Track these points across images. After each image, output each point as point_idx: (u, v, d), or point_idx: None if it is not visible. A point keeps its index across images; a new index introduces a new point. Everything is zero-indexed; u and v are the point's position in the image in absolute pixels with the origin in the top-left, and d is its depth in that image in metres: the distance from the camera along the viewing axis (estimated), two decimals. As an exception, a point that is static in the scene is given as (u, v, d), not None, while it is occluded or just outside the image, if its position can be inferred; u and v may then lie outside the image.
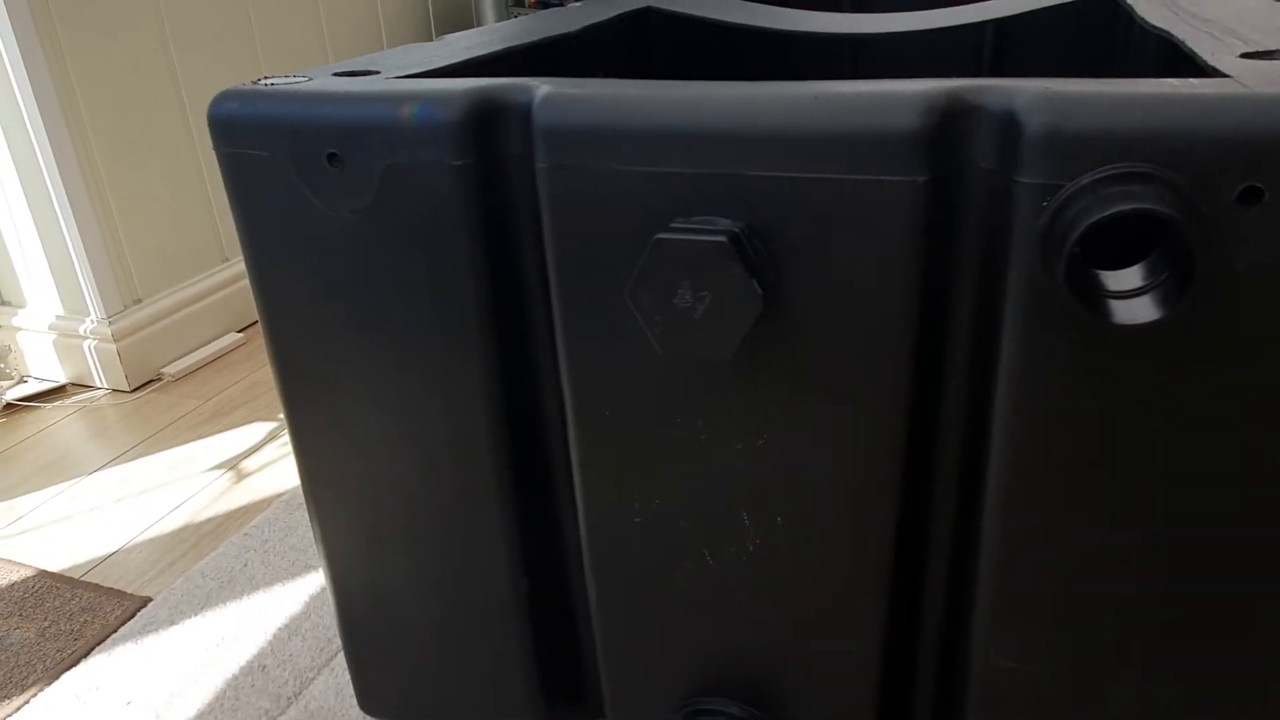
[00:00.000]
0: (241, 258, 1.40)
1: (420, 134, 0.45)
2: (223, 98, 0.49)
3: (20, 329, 1.26)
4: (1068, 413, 0.39)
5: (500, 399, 0.51)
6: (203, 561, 0.86)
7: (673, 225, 0.40)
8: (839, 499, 0.45)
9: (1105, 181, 0.34)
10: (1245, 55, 0.42)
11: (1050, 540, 0.42)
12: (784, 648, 0.50)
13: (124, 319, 1.22)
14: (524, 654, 0.59)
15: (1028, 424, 0.39)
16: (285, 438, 1.09)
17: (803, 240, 0.40)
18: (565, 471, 0.53)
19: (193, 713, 0.69)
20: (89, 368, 1.23)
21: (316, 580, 0.82)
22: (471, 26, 1.87)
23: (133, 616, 0.80)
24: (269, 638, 0.76)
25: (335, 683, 0.71)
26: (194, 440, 1.09)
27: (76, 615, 0.81)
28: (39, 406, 1.21)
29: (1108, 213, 0.32)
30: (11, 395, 1.22)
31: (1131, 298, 0.33)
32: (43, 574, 0.87)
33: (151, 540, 0.91)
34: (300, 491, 0.96)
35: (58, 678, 0.74)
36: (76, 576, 0.87)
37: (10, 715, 0.70)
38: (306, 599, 0.80)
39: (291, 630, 0.76)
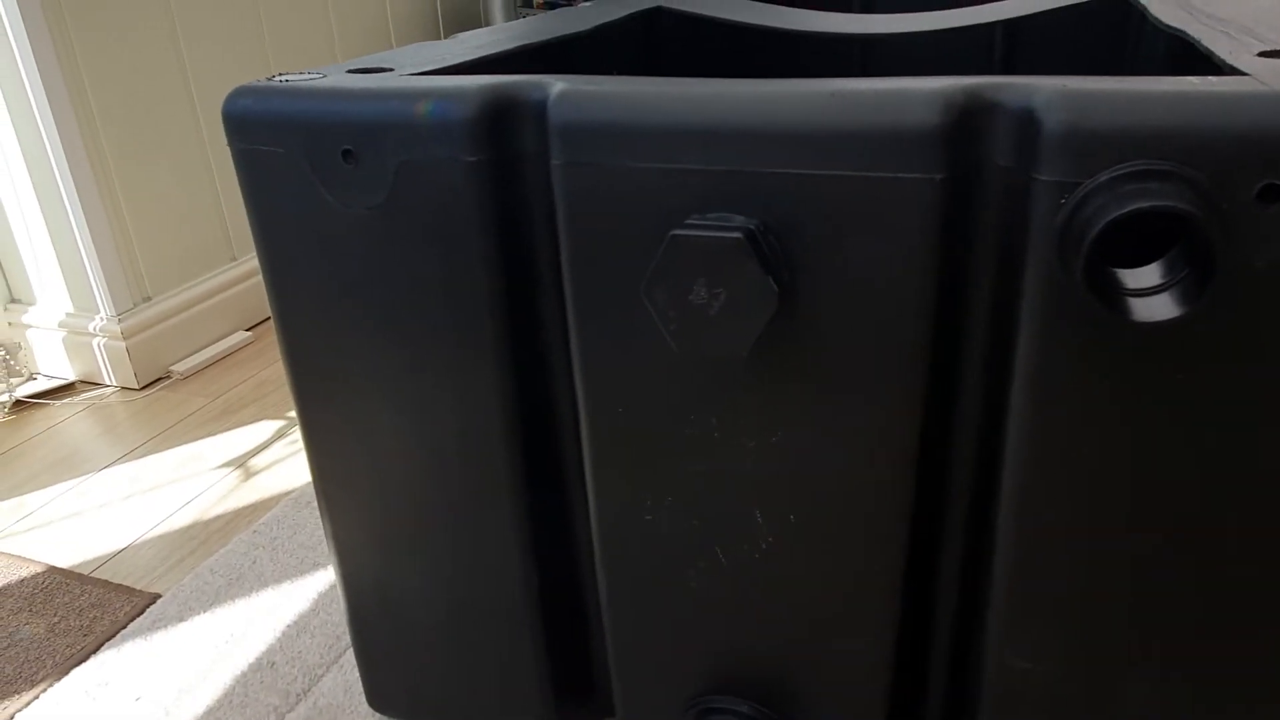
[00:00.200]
0: (251, 256, 1.41)
1: (435, 131, 0.45)
2: (237, 94, 0.49)
3: (30, 326, 1.27)
4: (1085, 411, 0.39)
5: (513, 396, 0.51)
6: (212, 558, 0.86)
7: (688, 222, 0.40)
8: (853, 497, 0.45)
9: (1124, 179, 0.34)
10: (1263, 54, 0.42)
11: (1066, 539, 0.42)
12: (795, 646, 0.50)
13: (133, 317, 1.23)
14: (534, 652, 0.59)
15: (1044, 422, 0.39)
16: (294, 436, 1.09)
17: (818, 238, 0.39)
18: (577, 469, 0.53)
19: (201, 709, 0.69)
20: (98, 365, 1.24)
21: (325, 577, 0.82)
22: (480, 27, 1.88)
23: (142, 613, 0.80)
24: (278, 635, 0.76)
25: (344, 680, 0.71)
26: (203, 438, 1.10)
27: (86, 611, 0.81)
28: (48, 404, 1.21)
29: (1126, 210, 0.32)
30: (21, 392, 1.23)
31: (1150, 295, 0.33)
32: (52, 570, 0.87)
33: (160, 537, 0.92)
34: (309, 489, 0.96)
35: (67, 673, 0.74)
36: (86, 573, 0.87)
37: (20, 710, 0.71)
38: (315, 596, 0.80)
39: (300, 627, 0.76)
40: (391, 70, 0.53)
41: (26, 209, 1.20)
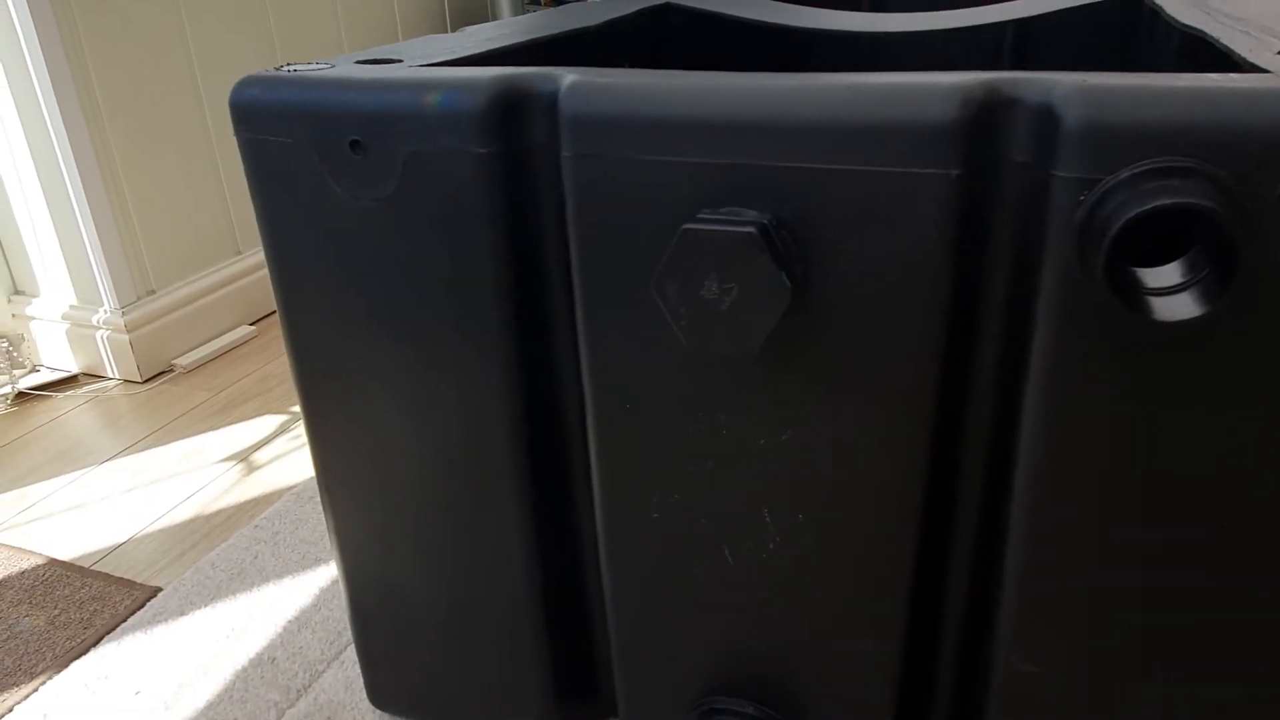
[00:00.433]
0: (255, 251, 1.41)
1: (445, 122, 0.44)
2: (245, 84, 0.49)
3: (34, 318, 1.26)
4: (1100, 412, 0.38)
5: (519, 392, 0.50)
6: (213, 553, 0.86)
7: (700, 216, 0.40)
8: (862, 497, 0.44)
9: (1145, 176, 0.33)
10: (1284, 52, 0.41)
11: (1077, 541, 0.41)
12: (802, 647, 0.50)
13: (137, 310, 1.22)
14: (537, 651, 0.58)
15: (1059, 423, 0.39)
16: (296, 430, 1.08)
17: (832, 233, 0.39)
18: (583, 467, 0.53)
19: (202, 704, 0.69)
20: (101, 358, 1.24)
21: (327, 573, 0.82)
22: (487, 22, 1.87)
23: (142, 606, 0.79)
24: (279, 630, 0.75)
25: (345, 676, 0.70)
26: (205, 432, 1.09)
27: (86, 604, 0.81)
28: (51, 396, 1.21)
29: (1149, 206, 0.31)
30: (24, 384, 1.23)
31: (1171, 294, 0.33)
32: (53, 562, 0.87)
33: (162, 531, 0.91)
34: (311, 484, 0.96)
35: (67, 666, 0.73)
36: (86, 565, 0.86)
37: (19, 703, 0.70)
38: (317, 591, 0.80)
39: (301, 623, 0.76)
40: (400, 61, 0.52)
41: (31, 200, 1.19)
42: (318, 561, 0.84)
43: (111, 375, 1.24)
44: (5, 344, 1.24)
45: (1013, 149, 0.37)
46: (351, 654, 0.72)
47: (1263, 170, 0.33)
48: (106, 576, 0.84)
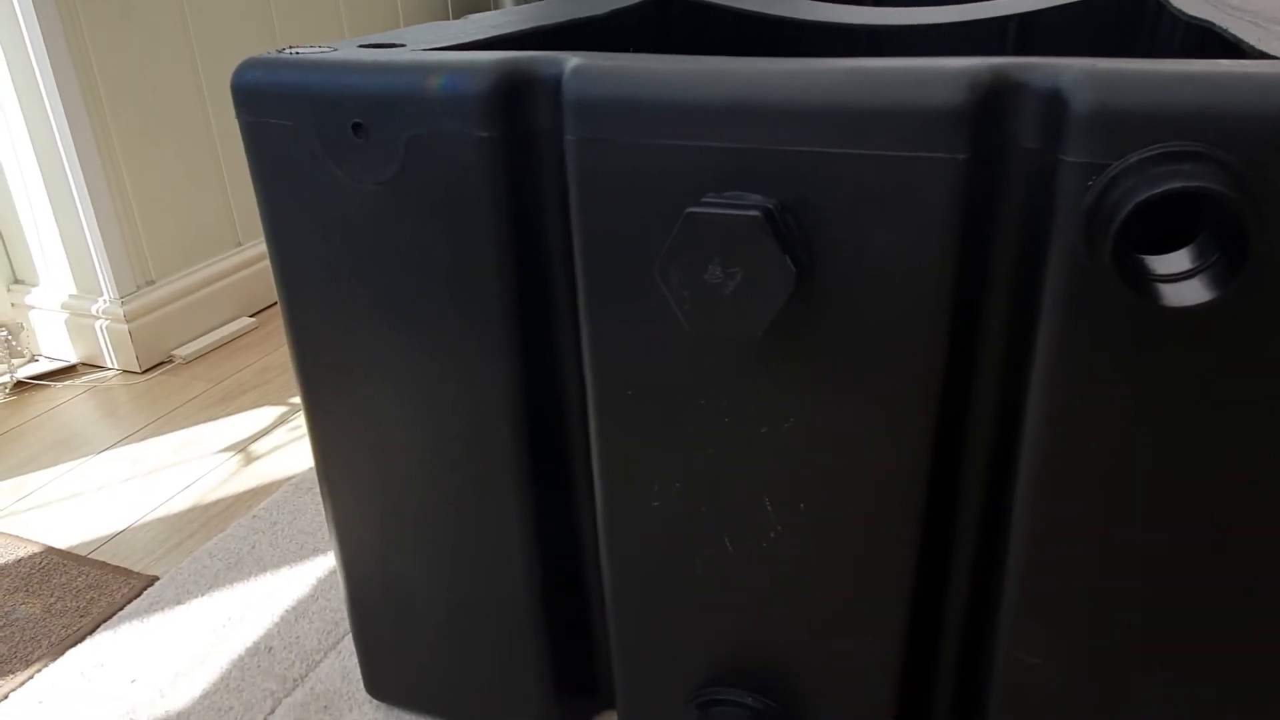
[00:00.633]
0: (256, 242, 1.40)
1: (447, 105, 0.44)
2: (247, 66, 0.49)
3: (33, 307, 1.26)
4: (1107, 401, 0.38)
5: (521, 381, 0.50)
6: (210, 542, 0.86)
7: (704, 200, 0.39)
8: (865, 487, 0.44)
9: (1154, 160, 0.33)
10: (1294, 41, 0.41)
11: (1082, 533, 0.41)
12: (802, 638, 0.49)
13: (136, 300, 1.22)
14: (535, 643, 0.58)
15: (1064, 411, 0.39)
16: (295, 421, 1.08)
17: (838, 218, 0.39)
18: (584, 457, 0.53)
19: (197, 692, 0.68)
20: (100, 348, 1.23)
21: (325, 563, 0.82)
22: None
23: (139, 595, 0.79)
24: (276, 619, 0.75)
25: (342, 666, 0.70)
26: (204, 422, 1.09)
27: (83, 593, 0.80)
28: (50, 385, 1.20)
29: (1158, 190, 0.31)
30: (23, 373, 1.22)
31: (1180, 281, 0.33)
32: (50, 550, 0.86)
33: (159, 520, 0.91)
34: (310, 475, 0.96)
35: (62, 654, 0.73)
36: (84, 554, 0.86)
37: (14, 690, 0.70)
38: (314, 582, 0.79)
39: (299, 613, 0.76)
40: (403, 46, 0.52)
41: (32, 189, 1.19)
42: (315, 552, 0.83)
43: (110, 365, 1.24)
44: (4, 333, 1.24)
45: (1020, 134, 0.37)
46: (349, 644, 0.72)
47: (1273, 155, 0.32)
48: (103, 565, 0.84)
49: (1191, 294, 0.32)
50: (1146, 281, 0.33)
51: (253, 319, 1.36)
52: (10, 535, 0.89)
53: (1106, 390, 0.38)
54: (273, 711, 0.66)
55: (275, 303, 1.40)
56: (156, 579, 0.81)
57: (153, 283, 1.25)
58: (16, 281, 1.28)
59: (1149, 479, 0.39)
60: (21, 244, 1.25)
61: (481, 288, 0.47)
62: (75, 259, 1.21)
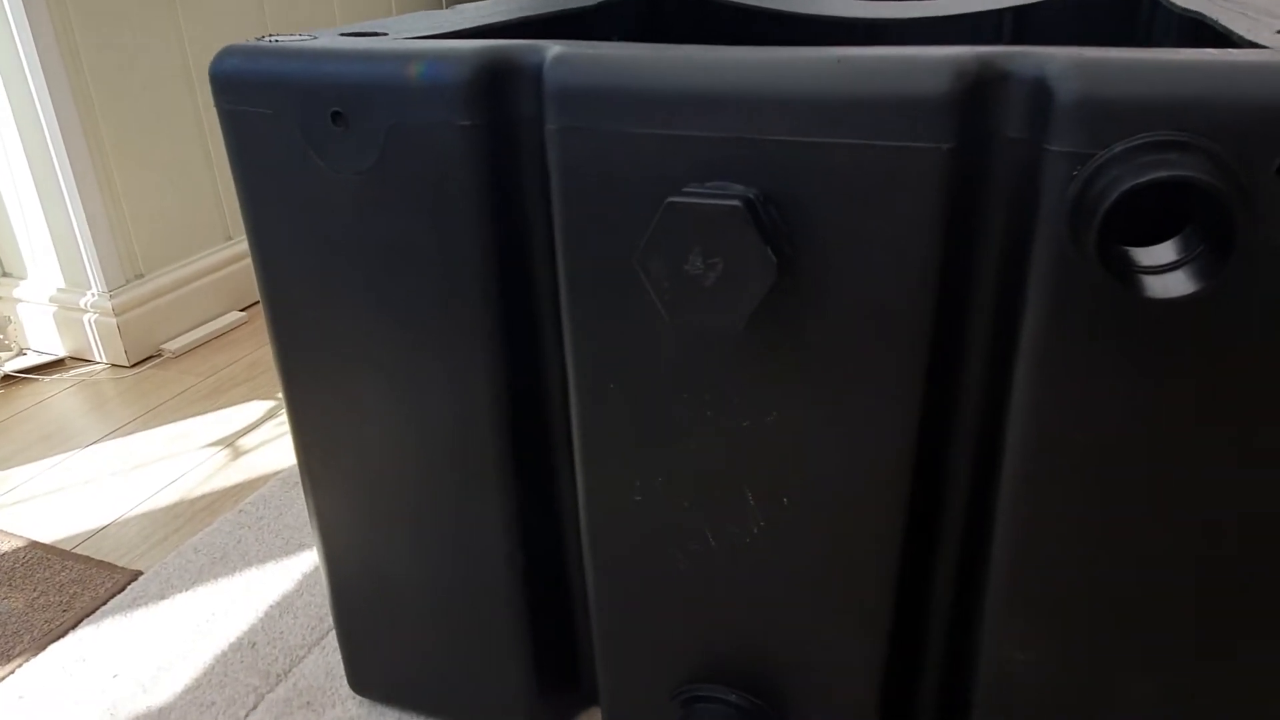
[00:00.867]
0: (245, 236, 1.39)
1: (428, 93, 0.43)
2: (225, 53, 0.48)
3: (20, 301, 1.25)
4: (1093, 393, 0.37)
5: (503, 372, 0.49)
6: (196, 537, 0.85)
7: (685, 190, 0.39)
8: (849, 480, 0.43)
9: (1140, 149, 0.32)
10: (1283, 31, 0.40)
11: (1068, 527, 0.40)
12: (786, 634, 0.49)
13: (125, 293, 1.21)
14: (518, 639, 0.57)
15: (1049, 404, 0.38)
16: (284, 417, 1.07)
17: (821, 208, 0.38)
18: (566, 450, 0.52)
19: (180, 687, 0.68)
20: (89, 341, 1.22)
21: (310, 558, 0.81)
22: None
23: (123, 590, 0.79)
24: (260, 615, 0.75)
25: (326, 661, 0.69)
26: (192, 416, 1.08)
27: (66, 587, 0.80)
28: (37, 379, 1.19)
29: (1143, 180, 0.31)
30: (10, 367, 1.21)
31: (1165, 272, 0.32)
32: (34, 545, 0.86)
33: (145, 514, 0.90)
34: (297, 470, 0.95)
35: (44, 648, 0.72)
36: (68, 548, 0.85)
37: (-5, 685, 0.69)
38: (299, 577, 0.79)
39: (283, 608, 0.75)
40: (385, 35, 0.51)
41: (19, 181, 1.18)
42: (301, 547, 0.83)
43: (99, 359, 1.23)
44: (-9, 326, 1.23)
45: (1006, 123, 0.36)
46: (333, 640, 0.72)
47: (1260, 145, 0.32)
48: (87, 560, 0.83)
49: (1176, 286, 0.32)
50: (1131, 273, 0.32)
51: (242, 313, 1.35)
52: (-6, 529, 0.89)
53: (1092, 383, 0.37)
54: (255, 707, 0.66)
55: (266, 297, 1.39)
56: (140, 574, 0.81)
57: (141, 276, 1.25)
58: (4, 274, 1.27)
59: (1135, 473, 0.39)
60: (9, 237, 1.24)
61: (463, 278, 0.47)
62: (63, 252, 1.20)
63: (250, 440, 1.02)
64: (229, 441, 1.02)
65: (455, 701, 0.62)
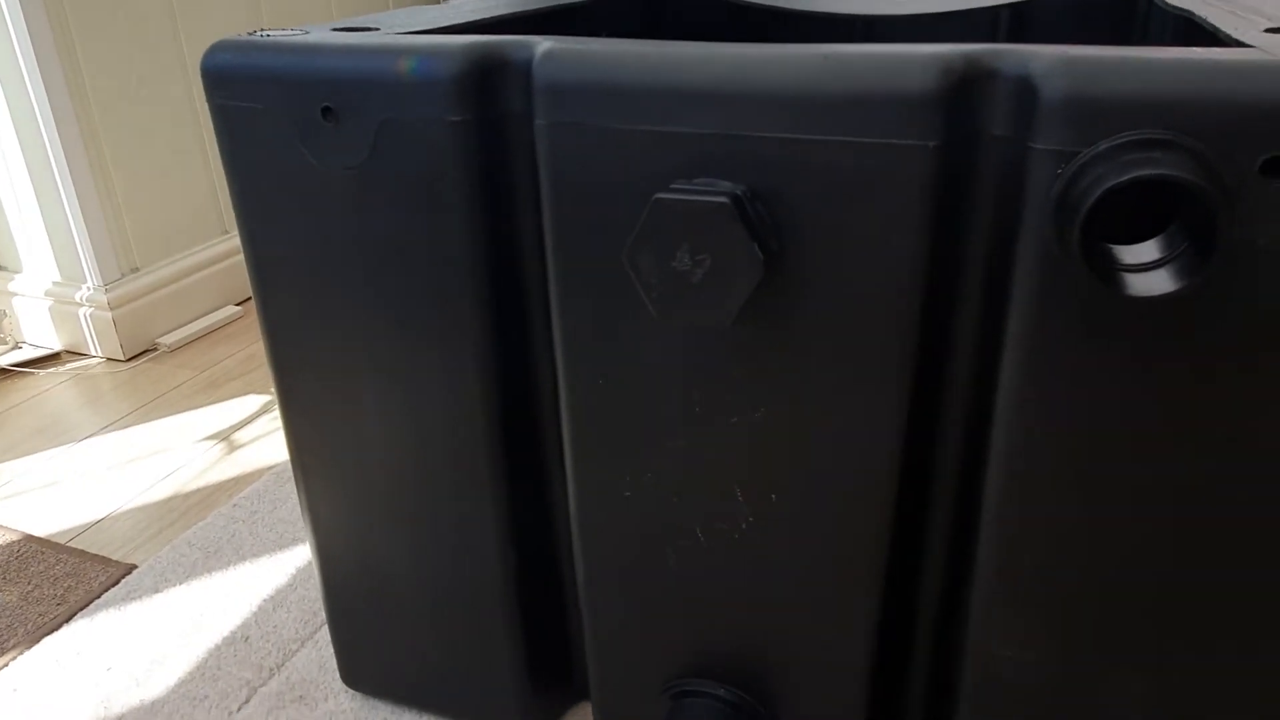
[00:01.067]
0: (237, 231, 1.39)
1: (418, 88, 0.43)
2: (217, 48, 0.48)
3: (16, 294, 1.25)
4: (1076, 390, 0.37)
5: (495, 368, 0.50)
6: (190, 531, 0.85)
7: (673, 186, 0.39)
8: (837, 477, 0.43)
9: (1124, 148, 0.32)
10: (1270, 30, 0.40)
11: (1055, 524, 0.41)
12: (775, 630, 0.49)
13: (121, 287, 1.21)
14: (510, 634, 0.58)
15: (1035, 401, 0.38)
16: (279, 411, 1.07)
17: (808, 205, 0.38)
18: (558, 447, 0.52)
19: (173, 681, 0.68)
20: (84, 335, 1.22)
21: (304, 553, 0.81)
22: (481, 7, 1.85)
23: (117, 583, 0.79)
24: (253, 609, 0.75)
25: (319, 656, 0.70)
26: (187, 411, 1.08)
27: (60, 580, 0.80)
28: (32, 373, 1.20)
29: (1126, 178, 0.31)
30: (5, 361, 1.21)
31: (1148, 271, 0.32)
32: (28, 538, 0.86)
33: (139, 508, 0.90)
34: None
35: (38, 642, 0.73)
36: (62, 542, 0.86)
37: (-11, 678, 0.69)
38: (293, 571, 0.79)
39: (277, 602, 0.75)
40: (377, 30, 0.51)
41: (14, 175, 1.18)
42: (295, 541, 0.83)
43: (94, 353, 1.23)
44: (-13, 320, 1.23)
45: (992, 121, 0.36)
46: (326, 634, 0.72)
47: (1244, 144, 0.32)
48: (82, 553, 0.83)
49: (1158, 284, 0.32)
50: (1113, 271, 0.32)
51: (238, 307, 1.35)
52: (-11, 522, 0.89)
53: (1077, 380, 0.37)
54: (248, 701, 0.66)
55: (262, 291, 1.38)
56: (135, 567, 0.81)
57: (137, 270, 1.25)
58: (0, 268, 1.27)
59: (1120, 470, 0.39)
60: (4, 230, 1.24)
61: (454, 274, 0.47)
62: (59, 246, 1.20)
63: (245, 435, 1.02)
64: (224, 436, 1.03)
65: (448, 696, 0.62)
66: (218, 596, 0.76)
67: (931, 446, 0.43)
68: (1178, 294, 0.32)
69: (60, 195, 1.16)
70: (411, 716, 0.64)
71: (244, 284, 1.38)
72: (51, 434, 1.05)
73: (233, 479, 0.94)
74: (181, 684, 0.68)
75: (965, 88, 0.36)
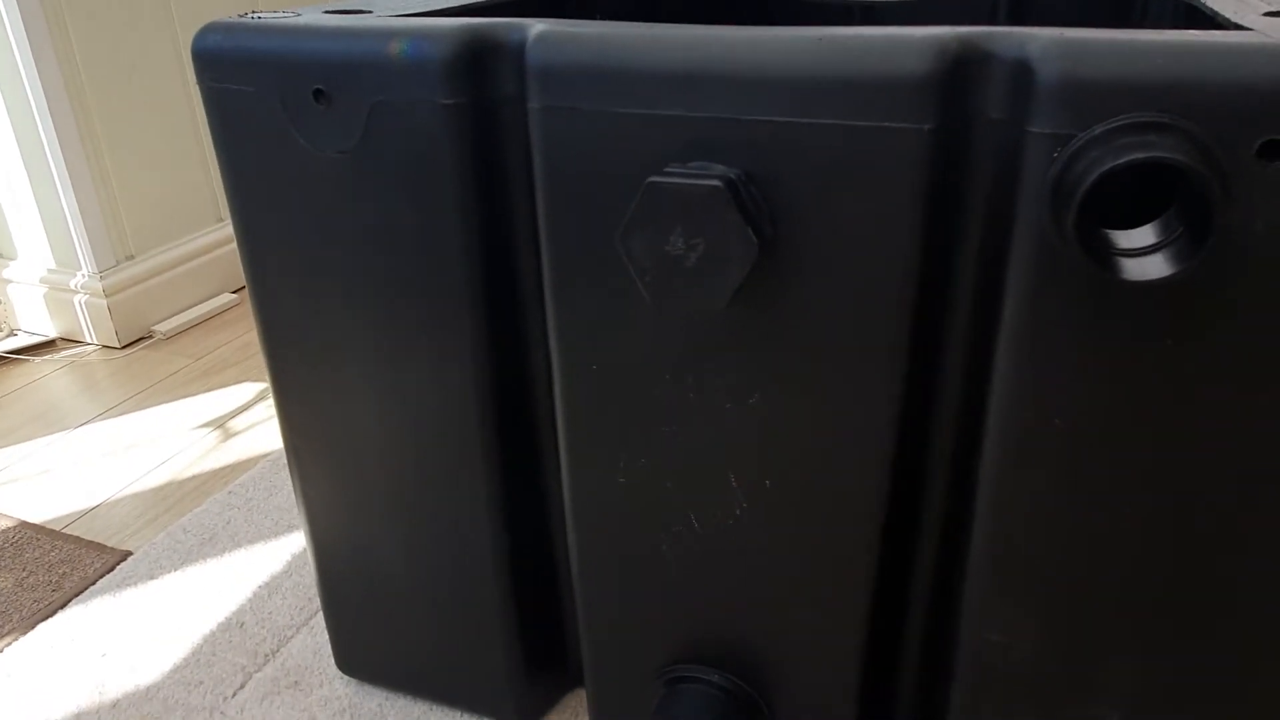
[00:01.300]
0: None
1: (410, 71, 0.43)
2: (207, 30, 0.48)
3: (11, 281, 1.25)
4: (1073, 376, 0.37)
5: (488, 353, 0.49)
6: (185, 518, 0.85)
7: (667, 170, 0.38)
8: (830, 462, 0.43)
9: (1120, 131, 0.32)
10: (1269, 14, 0.40)
11: (1048, 509, 0.41)
12: (768, 615, 0.49)
13: (116, 274, 1.21)
14: (504, 620, 0.58)
15: (1029, 386, 0.38)
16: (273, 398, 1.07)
17: (802, 189, 0.38)
18: (552, 433, 0.52)
19: (168, 666, 0.68)
20: (79, 323, 1.22)
21: (299, 539, 0.81)
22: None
23: (112, 570, 0.79)
24: (249, 595, 0.75)
25: (314, 642, 0.70)
26: (183, 398, 1.08)
27: (56, 567, 0.80)
28: (28, 360, 1.19)
29: (1122, 161, 0.30)
30: (0, 348, 1.21)
31: (1143, 255, 0.32)
32: (24, 525, 0.86)
33: (135, 495, 0.90)
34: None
35: (33, 628, 0.73)
36: (58, 529, 0.86)
37: (-16, 664, 0.69)
38: (288, 558, 0.79)
39: (272, 588, 0.75)
40: (370, 12, 0.51)
41: (9, 161, 1.17)
42: (290, 528, 0.83)
43: (90, 340, 1.23)
44: (-18, 307, 1.23)
45: (988, 105, 0.36)
46: (321, 620, 0.72)
47: (1241, 126, 0.32)
48: (77, 540, 0.83)
49: (1154, 268, 0.31)
50: (1109, 255, 0.32)
51: (234, 295, 1.35)
52: (-16, 509, 0.89)
53: (1072, 365, 0.37)
54: (243, 686, 0.66)
55: (258, 279, 1.38)
56: (130, 554, 0.81)
57: (132, 257, 1.24)
58: (-6, 255, 1.27)
59: (1114, 456, 0.39)
60: (-1, 216, 1.23)
61: (446, 258, 0.47)
62: (53, 233, 1.20)
63: (240, 422, 1.02)
64: (219, 423, 1.02)
65: (442, 682, 0.62)
66: (213, 583, 0.76)
67: (926, 432, 0.43)
68: (1174, 278, 0.32)
69: (55, 182, 1.16)
70: (406, 703, 0.64)
71: (239, 271, 1.37)
72: (47, 421, 1.05)
73: (228, 466, 0.94)
74: (176, 669, 0.68)
75: (960, 70, 0.35)
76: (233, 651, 0.69)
